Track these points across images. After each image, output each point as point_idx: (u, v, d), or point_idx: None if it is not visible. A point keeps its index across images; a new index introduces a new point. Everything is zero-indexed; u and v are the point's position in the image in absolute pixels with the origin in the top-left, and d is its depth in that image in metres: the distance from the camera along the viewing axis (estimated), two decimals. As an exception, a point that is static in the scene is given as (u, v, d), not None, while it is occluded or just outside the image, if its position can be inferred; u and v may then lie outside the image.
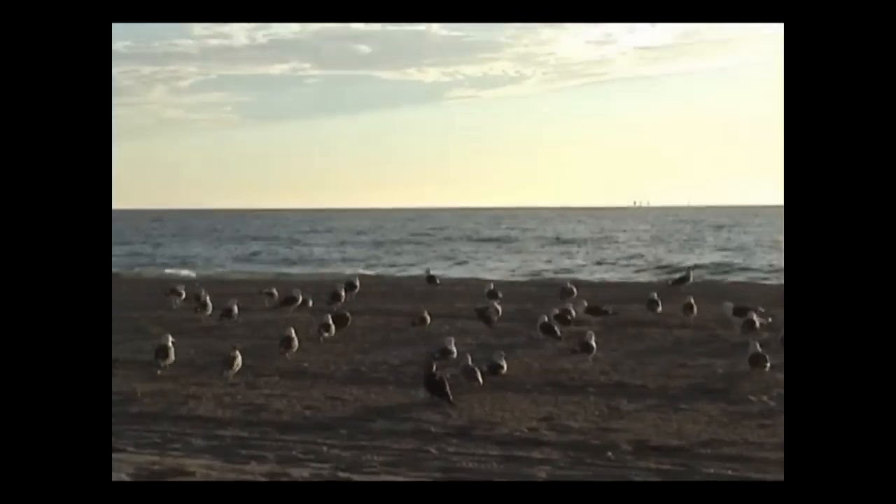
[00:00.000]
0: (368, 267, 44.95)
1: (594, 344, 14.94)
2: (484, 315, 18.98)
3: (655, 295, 21.06)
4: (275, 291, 23.63)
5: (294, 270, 43.84)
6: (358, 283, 24.98)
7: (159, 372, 14.30)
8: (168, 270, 43.49)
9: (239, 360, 13.76)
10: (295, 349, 15.48)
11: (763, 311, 17.89)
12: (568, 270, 41.31)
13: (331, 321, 17.41)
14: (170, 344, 14.57)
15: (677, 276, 28.22)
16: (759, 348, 13.73)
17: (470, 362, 13.03)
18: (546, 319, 16.80)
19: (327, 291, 23.08)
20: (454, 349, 14.65)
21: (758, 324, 16.78)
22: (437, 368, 12.18)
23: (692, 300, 20.05)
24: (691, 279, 25.73)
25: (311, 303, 21.65)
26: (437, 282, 28.14)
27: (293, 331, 15.80)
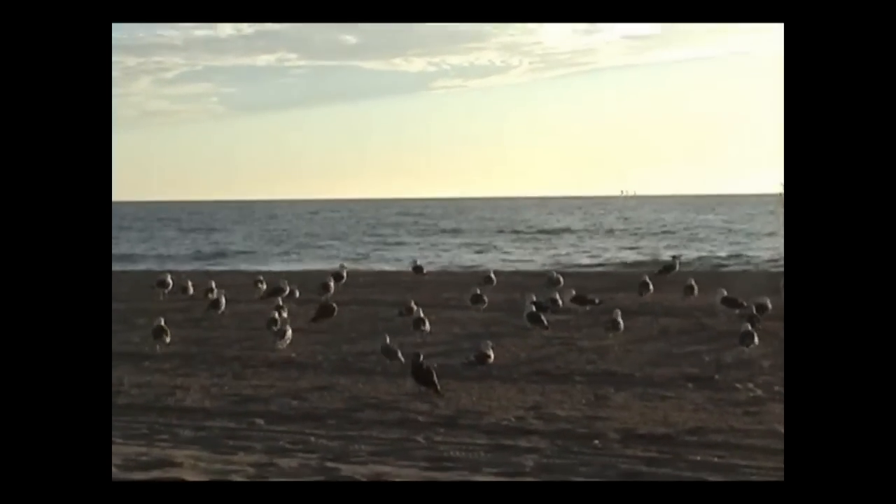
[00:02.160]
0: (355, 257, 44.91)
1: (621, 321, 15.83)
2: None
3: (647, 278, 21.31)
4: (262, 279, 23.73)
5: (281, 260, 43.80)
6: (345, 274, 24.98)
7: (158, 349, 15.20)
8: (151, 263, 43.37)
9: (289, 333, 15.30)
10: (279, 328, 16.10)
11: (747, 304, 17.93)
12: (554, 259, 41.44)
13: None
14: (164, 324, 15.70)
15: (664, 264, 28.32)
16: (749, 328, 14.29)
17: (387, 341, 13.73)
18: (533, 308, 16.86)
19: (314, 282, 23.07)
20: (415, 307, 16.75)
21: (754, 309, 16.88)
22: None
23: (693, 282, 20.37)
24: (677, 268, 25.84)
25: (297, 293, 21.65)
26: (424, 272, 28.21)
27: (276, 313, 16.92)
